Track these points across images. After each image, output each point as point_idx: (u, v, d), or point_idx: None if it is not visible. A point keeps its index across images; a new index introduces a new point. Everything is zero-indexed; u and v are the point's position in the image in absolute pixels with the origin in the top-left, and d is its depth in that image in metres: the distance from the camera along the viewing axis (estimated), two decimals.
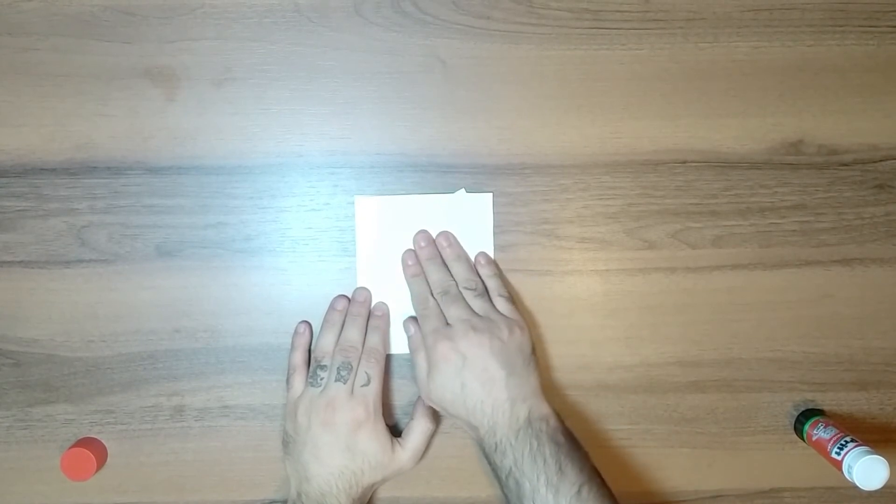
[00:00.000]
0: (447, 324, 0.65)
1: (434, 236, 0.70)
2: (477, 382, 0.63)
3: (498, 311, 0.67)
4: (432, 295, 0.67)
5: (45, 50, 0.68)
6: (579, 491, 0.59)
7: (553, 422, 0.63)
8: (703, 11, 0.69)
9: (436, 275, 0.68)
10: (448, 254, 0.69)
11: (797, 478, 0.72)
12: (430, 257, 0.69)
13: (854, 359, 0.72)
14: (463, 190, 0.70)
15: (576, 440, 0.63)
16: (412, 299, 0.69)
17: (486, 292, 0.68)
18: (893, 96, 0.70)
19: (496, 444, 0.62)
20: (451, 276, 0.68)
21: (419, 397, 0.70)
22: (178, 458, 0.71)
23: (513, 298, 0.69)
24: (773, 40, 0.70)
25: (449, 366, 0.63)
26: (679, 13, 0.69)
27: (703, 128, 0.70)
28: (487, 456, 0.63)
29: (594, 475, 0.61)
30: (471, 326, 0.64)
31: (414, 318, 0.69)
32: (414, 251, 0.70)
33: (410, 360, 0.68)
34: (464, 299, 0.67)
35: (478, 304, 0.67)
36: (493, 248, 0.70)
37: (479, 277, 0.69)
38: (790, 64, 0.70)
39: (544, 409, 0.64)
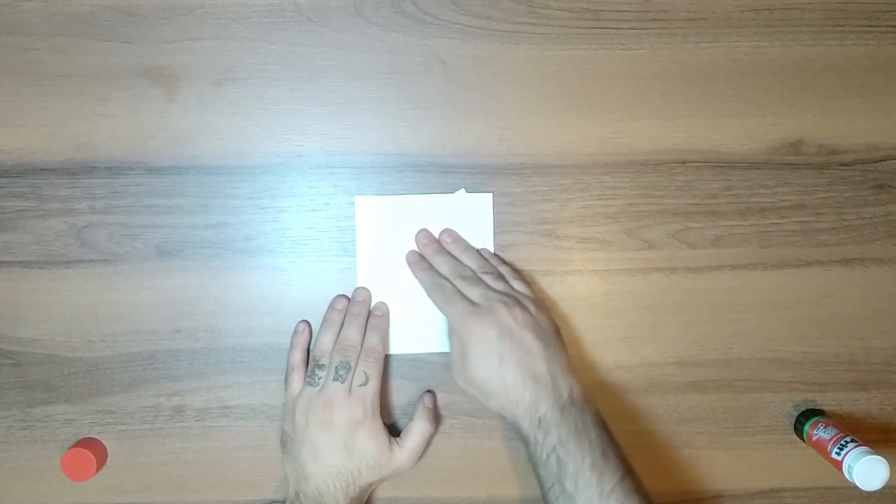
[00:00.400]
0: (473, 304, 0.64)
1: (437, 235, 0.70)
2: (515, 356, 0.62)
3: (519, 291, 0.66)
4: (448, 281, 0.66)
5: (45, 50, 0.68)
6: (622, 479, 0.59)
7: (592, 405, 0.62)
8: (703, 11, 0.69)
9: (447, 265, 0.67)
10: (454, 249, 0.69)
11: (797, 478, 0.72)
12: (437, 252, 0.69)
13: (854, 359, 0.72)
14: (463, 190, 0.70)
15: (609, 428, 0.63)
16: (428, 292, 0.67)
17: (501, 276, 0.67)
18: (893, 96, 0.70)
19: (539, 419, 0.60)
20: (463, 264, 0.68)
21: (420, 398, 0.70)
22: (178, 458, 0.71)
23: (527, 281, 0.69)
24: (773, 40, 0.70)
25: (484, 343, 0.62)
26: (679, 13, 0.69)
27: (703, 128, 0.70)
28: (526, 432, 0.61)
29: (631, 467, 0.61)
30: (500, 301, 0.63)
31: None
32: (416, 252, 0.70)
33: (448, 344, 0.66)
34: (482, 280, 0.66)
35: (498, 286, 0.65)
36: (493, 247, 0.70)
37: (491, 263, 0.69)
38: (790, 64, 0.70)
39: (582, 389, 0.63)
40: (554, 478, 0.60)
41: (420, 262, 0.69)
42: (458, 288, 0.65)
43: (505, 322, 0.62)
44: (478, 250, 0.70)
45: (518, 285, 0.67)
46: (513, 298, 0.64)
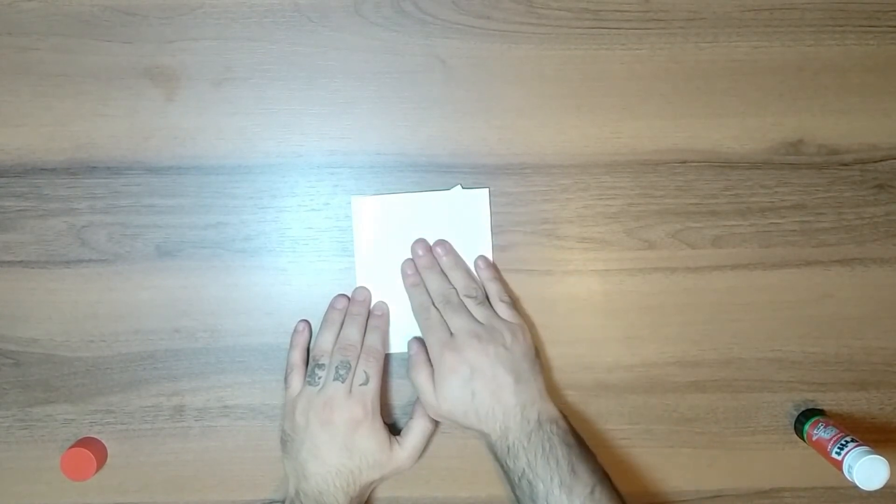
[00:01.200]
0: (451, 334, 0.65)
1: (431, 243, 0.70)
2: (486, 391, 0.63)
3: (500, 318, 0.67)
4: (434, 304, 0.67)
5: (45, 50, 0.68)
6: (592, 492, 0.60)
7: (562, 423, 0.64)
8: (703, 11, 0.69)
9: (435, 283, 0.68)
10: (445, 262, 0.69)
11: (797, 478, 0.72)
12: (429, 266, 0.69)
13: (854, 359, 0.72)
14: (459, 186, 0.70)
15: (584, 442, 0.65)
16: (413, 309, 0.69)
17: (486, 299, 0.68)
18: (893, 96, 0.70)
19: (508, 447, 0.63)
20: (451, 284, 0.68)
21: (419, 397, 0.70)
22: (178, 458, 0.71)
23: (514, 302, 0.69)
24: (773, 40, 0.70)
25: (457, 377, 0.64)
26: (679, 13, 0.69)
27: (703, 128, 0.70)
28: (499, 459, 0.64)
29: (605, 477, 0.63)
30: (475, 336, 0.64)
31: (417, 339, 0.69)
32: (412, 260, 0.70)
33: (410, 378, 0.67)
34: (465, 308, 0.67)
35: (479, 312, 0.67)
36: (490, 243, 0.70)
37: (479, 283, 0.69)
38: (790, 64, 0.70)
39: (553, 411, 0.65)
40: (527, 500, 0.62)
41: (412, 275, 0.69)
42: (440, 313, 0.67)
43: (478, 358, 0.64)
44: (478, 259, 0.70)
45: (503, 309, 0.68)
46: (490, 330, 0.65)
